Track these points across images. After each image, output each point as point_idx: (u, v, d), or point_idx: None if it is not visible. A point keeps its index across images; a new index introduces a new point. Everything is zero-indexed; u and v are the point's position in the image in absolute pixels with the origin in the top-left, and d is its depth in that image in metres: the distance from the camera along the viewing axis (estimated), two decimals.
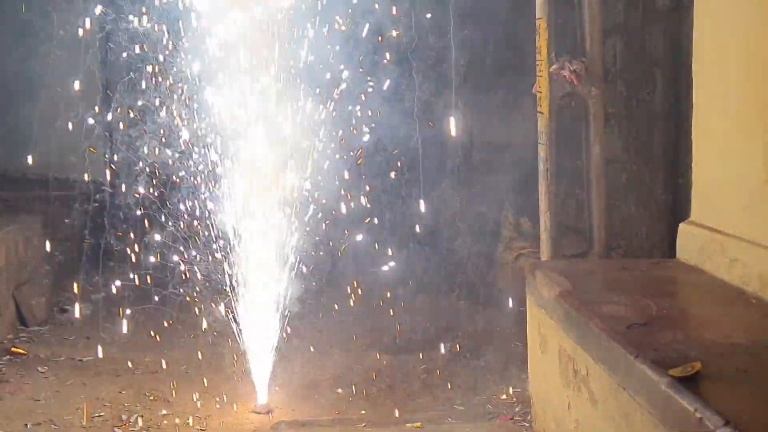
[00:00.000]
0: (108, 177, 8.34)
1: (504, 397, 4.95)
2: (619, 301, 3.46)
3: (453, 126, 8.45)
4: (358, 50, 6.71)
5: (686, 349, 2.80)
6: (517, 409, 4.62)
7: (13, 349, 5.74)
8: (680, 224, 4.15)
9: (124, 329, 6.18)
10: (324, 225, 5.98)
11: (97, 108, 8.20)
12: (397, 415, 4.73)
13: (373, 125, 7.57)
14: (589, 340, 3.24)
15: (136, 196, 6.96)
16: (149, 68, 6.55)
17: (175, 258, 7.03)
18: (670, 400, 2.48)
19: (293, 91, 5.51)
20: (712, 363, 2.64)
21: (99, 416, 4.70)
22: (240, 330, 5.20)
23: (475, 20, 8.22)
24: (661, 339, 2.93)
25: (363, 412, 4.87)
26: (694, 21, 4.08)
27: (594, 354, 3.19)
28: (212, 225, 5.45)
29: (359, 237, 7.53)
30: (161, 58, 6.27)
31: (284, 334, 5.33)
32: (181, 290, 6.77)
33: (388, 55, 7.44)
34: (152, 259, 7.23)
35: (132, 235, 7.64)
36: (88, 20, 7.62)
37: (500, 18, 7.95)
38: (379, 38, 7.30)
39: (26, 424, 4.54)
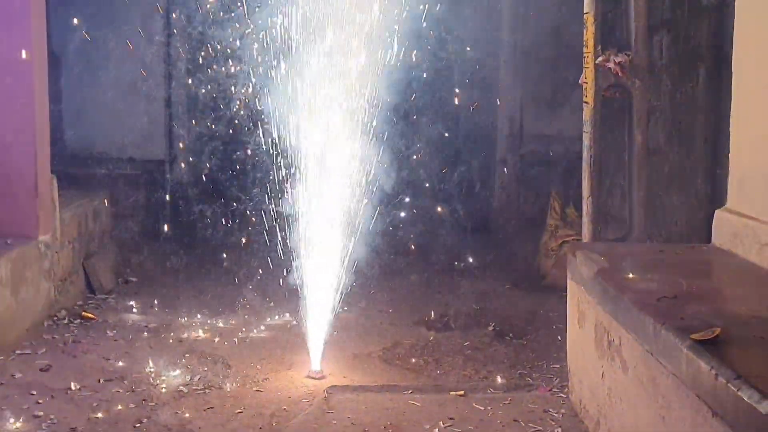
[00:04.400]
0: (169, 155, 8.77)
1: (543, 371, 5.21)
2: (653, 279, 3.71)
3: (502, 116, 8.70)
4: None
5: (710, 319, 3.04)
6: (555, 381, 4.87)
7: (83, 313, 6.15)
8: (716, 211, 4.37)
9: (187, 299, 6.63)
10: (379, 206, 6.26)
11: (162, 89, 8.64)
12: (441, 384, 5.01)
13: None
14: (623, 312, 3.49)
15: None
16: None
17: (237, 228, 7.50)
18: (690, 361, 2.73)
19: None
20: (733, 330, 2.88)
21: (164, 377, 5.06)
22: (302, 298, 5.51)
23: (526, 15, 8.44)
24: (687, 310, 3.18)
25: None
26: (735, 16, 4.28)
27: (626, 325, 3.44)
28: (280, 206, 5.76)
29: (409, 220, 7.87)
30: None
31: (337, 312, 5.65)
32: (243, 260, 7.21)
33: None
34: (212, 231, 7.68)
35: (194, 210, 8.10)
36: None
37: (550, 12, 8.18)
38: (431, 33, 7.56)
39: (99, 380, 4.91)
